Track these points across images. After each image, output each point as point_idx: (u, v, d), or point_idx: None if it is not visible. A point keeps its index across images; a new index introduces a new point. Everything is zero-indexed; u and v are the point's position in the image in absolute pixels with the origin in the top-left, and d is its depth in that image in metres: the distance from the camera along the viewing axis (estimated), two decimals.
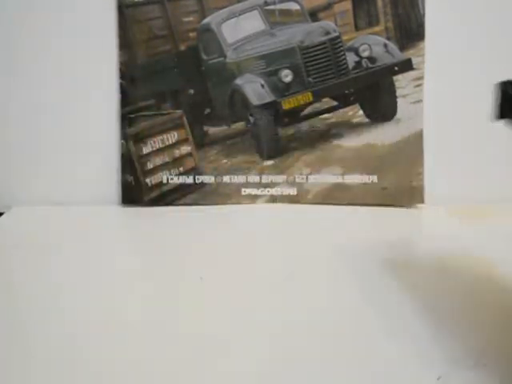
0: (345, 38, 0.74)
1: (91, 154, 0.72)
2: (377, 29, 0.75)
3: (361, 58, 0.74)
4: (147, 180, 0.70)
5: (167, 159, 0.71)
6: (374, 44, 0.74)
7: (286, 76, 0.73)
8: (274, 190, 0.70)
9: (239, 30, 0.75)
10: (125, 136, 0.70)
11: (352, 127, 0.72)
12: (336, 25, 0.75)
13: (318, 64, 0.74)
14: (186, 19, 0.75)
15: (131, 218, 0.69)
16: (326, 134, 0.72)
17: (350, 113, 0.73)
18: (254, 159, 0.72)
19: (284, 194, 0.70)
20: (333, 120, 0.73)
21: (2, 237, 0.63)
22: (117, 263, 0.58)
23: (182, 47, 0.75)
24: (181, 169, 0.71)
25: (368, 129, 0.72)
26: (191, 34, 0.75)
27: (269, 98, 0.73)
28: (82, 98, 0.71)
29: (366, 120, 0.72)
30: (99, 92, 0.71)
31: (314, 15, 0.76)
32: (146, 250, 0.61)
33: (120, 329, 0.45)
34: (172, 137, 0.71)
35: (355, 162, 0.70)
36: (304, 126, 0.73)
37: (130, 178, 0.70)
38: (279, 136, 0.73)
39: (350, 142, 0.71)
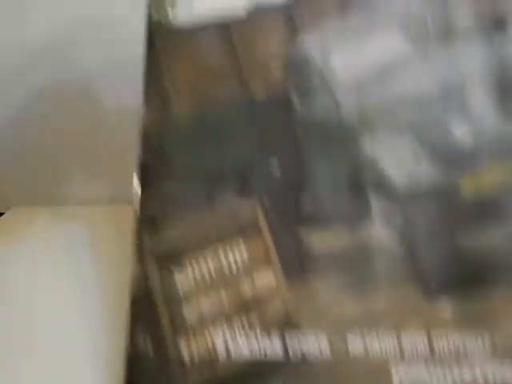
0: None
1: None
2: None
3: None
4: (183, 350, 0.33)
5: (226, 303, 0.33)
6: None
7: (463, 131, 0.37)
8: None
9: (362, 58, 0.41)
10: (141, 252, 0.34)
11: None
12: None
13: None
14: (265, 46, 0.43)
15: None
16: None
17: None
18: (410, 294, 0.34)
19: None
20: None
21: (1, 237, 0.63)
22: (116, 263, 0.51)
23: (258, 91, 0.41)
24: (255, 320, 0.33)
25: None
26: (273, 66, 0.42)
27: (431, 174, 0.37)
28: None
29: None
30: None
31: (500, 23, 0.41)
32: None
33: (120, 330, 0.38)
34: (236, 253, 0.34)
35: None
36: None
37: (146, 344, 0.33)
38: (460, 247, 0.35)
39: None
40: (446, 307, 0.34)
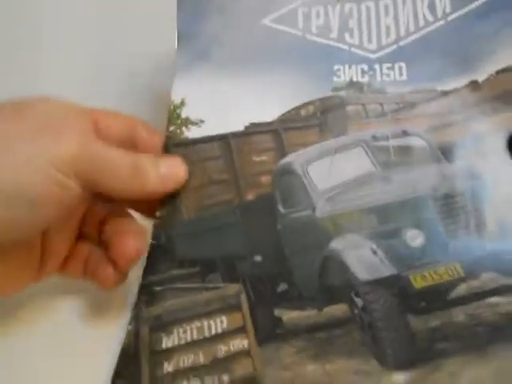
0: (502, 185, 0.47)
1: None
2: None
3: None
4: None
5: (202, 360, 0.40)
6: None
7: (414, 238, 0.45)
8: None
9: (336, 173, 0.50)
10: (137, 318, 0.41)
11: None
12: (487, 167, 0.48)
13: (465, 221, 0.46)
14: (258, 158, 0.51)
15: None
16: (506, 330, 0.40)
17: None
18: (368, 367, 0.40)
19: None
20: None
21: None
22: None
23: (250, 196, 0.50)
24: (226, 377, 0.39)
25: None
26: (264, 179, 0.50)
27: (387, 270, 0.44)
28: None
29: None
30: None
31: (449, 154, 0.50)
32: None
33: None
34: (218, 324, 0.41)
35: None
36: (458, 314, 0.42)
37: None
38: (412, 330, 0.42)
39: None
40: (401, 376, 0.40)
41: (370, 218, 0.47)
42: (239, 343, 0.40)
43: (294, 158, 0.50)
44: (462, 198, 0.46)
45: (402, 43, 0.52)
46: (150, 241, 0.46)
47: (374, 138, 0.51)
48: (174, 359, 0.41)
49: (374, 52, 0.52)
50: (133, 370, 0.41)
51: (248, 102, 0.51)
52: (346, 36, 0.53)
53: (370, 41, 0.53)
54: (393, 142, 0.51)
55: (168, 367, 0.40)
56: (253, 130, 0.51)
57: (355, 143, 0.50)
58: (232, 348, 0.40)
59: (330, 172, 0.50)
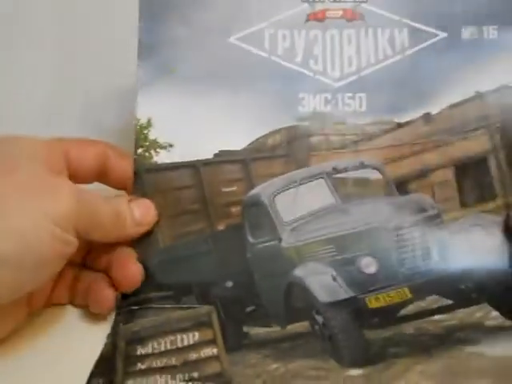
0: (448, 216, 0.52)
1: None
2: (492, 205, 0.53)
3: None
4: None
5: (174, 362, 0.45)
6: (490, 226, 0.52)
7: (368, 266, 0.50)
8: None
9: (299, 204, 0.55)
10: (115, 333, 0.45)
11: (488, 331, 0.46)
12: (434, 199, 0.53)
13: (413, 250, 0.51)
14: (227, 189, 0.55)
15: None
16: (449, 339, 0.47)
17: (479, 314, 0.47)
18: (327, 366, 0.46)
19: None
20: (453, 322, 0.48)
21: None
22: None
23: (220, 226, 0.54)
24: (195, 374, 0.45)
25: None
26: (233, 210, 0.54)
27: (345, 293, 0.49)
28: None
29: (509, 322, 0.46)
30: None
31: (402, 187, 0.55)
32: None
33: None
34: (190, 338, 0.46)
35: None
36: (407, 327, 0.48)
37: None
38: (366, 339, 0.48)
39: (493, 349, 0.45)
40: (357, 371, 0.46)
41: (330, 248, 0.51)
42: (209, 351, 0.46)
43: (261, 190, 0.54)
44: (411, 229, 0.51)
45: (362, 73, 0.54)
46: None
47: (335, 169, 0.55)
48: (147, 362, 0.46)
49: (336, 80, 0.54)
50: (108, 369, 0.45)
51: (216, 128, 0.53)
52: (311, 62, 0.54)
53: (333, 69, 0.54)
54: (351, 174, 0.55)
55: (141, 366, 0.45)
56: (221, 159, 0.54)
57: (317, 175, 0.54)
58: (202, 355, 0.45)
59: (294, 203, 0.54)
